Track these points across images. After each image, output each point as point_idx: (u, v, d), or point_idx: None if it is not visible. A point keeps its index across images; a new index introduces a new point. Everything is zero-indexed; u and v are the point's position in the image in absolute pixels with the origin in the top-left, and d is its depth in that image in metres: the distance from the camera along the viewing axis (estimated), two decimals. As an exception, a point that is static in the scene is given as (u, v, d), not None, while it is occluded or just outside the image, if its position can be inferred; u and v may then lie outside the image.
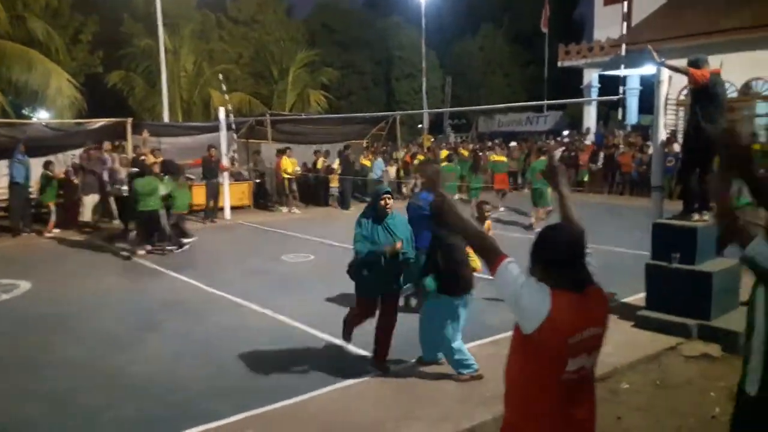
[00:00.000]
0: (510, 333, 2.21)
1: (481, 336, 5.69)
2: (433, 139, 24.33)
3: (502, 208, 14.93)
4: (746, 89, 17.49)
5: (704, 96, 5.94)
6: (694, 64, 6.03)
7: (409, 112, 22.98)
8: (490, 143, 22.82)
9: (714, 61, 6.20)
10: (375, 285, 4.98)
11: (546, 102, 20.32)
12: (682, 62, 6.83)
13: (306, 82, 26.11)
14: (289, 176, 15.73)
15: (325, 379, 4.94)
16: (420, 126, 25.22)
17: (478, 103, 26.08)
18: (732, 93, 17.37)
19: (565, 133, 24.85)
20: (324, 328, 6.18)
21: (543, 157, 14.03)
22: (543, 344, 2.04)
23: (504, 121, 29.86)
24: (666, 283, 5.94)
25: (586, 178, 18.34)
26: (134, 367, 5.35)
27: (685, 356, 5.45)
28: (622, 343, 5.60)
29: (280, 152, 15.77)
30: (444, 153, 18.07)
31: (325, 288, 7.72)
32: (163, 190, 9.96)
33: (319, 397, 4.66)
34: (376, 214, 4.97)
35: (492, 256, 2.16)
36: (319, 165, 16.67)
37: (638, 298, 6.59)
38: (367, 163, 17.40)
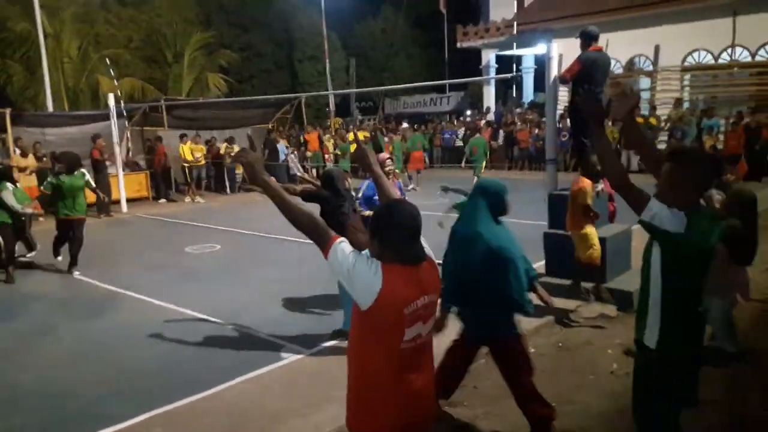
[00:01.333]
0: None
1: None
2: (341, 122, 24.26)
3: (416, 188, 15.19)
4: (630, 65, 18.65)
5: (584, 74, 6.22)
6: (584, 36, 6.32)
7: (314, 93, 22.65)
8: (395, 124, 23.06)
9: (601, 40, 6.52)
10: None
11: (447, 82, 20.71)
12: (570, 41, 7.15)
13: (203, 66, 25.03)
14: (188, 164, 15.13)
15: (236, 369, 4.80)
16: (327, 109, 24.96)
17: (383, 84, 26.15)
18: (618, 69, 18.51)
19: (468, 113, 25.49)
20: (231, 318, 6.01)
21: (479, 135, 15.42)
22: (380, 317, 2.13)
23: (409, 103, 30.23)
24: (563, 250, 6.23)
25: (488, 155, 18.92)
26: (24, 375, 4.95)
27: (584, 318, 5.76)
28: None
29: (182, 138, 15.17)
30: (350, 135, 18.04)
31: (231, 277, 7.50)
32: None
33: (231, 388, 4.53)
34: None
35: (324, 238, 2.18)
36: (223, 151, 16.13)
37: (539, 266, 6.88)
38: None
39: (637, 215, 2.61)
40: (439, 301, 2.36)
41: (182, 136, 15.20)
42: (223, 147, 16.20)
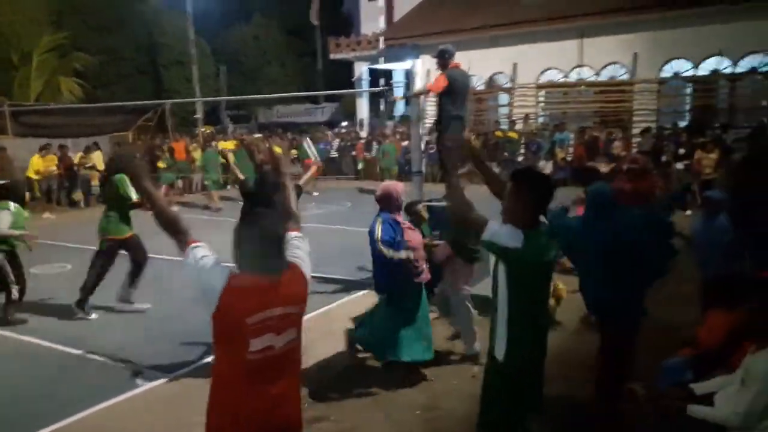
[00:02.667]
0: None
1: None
2: (209, 130, 23.43)
3: (316, 193, 15.10)
4: (491, 82, 19.83)
5: (449, 90, 6.54)
6: (441, 54, 6.63)
7: (181, 100, 21.65)
8: (269, 133, 22.70)
9: (463, 58, 6.87)
10: None
11: (318, 93, 20.72)
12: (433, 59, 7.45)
13: (55, 69, 23.03)
14: (38, 177, 13.82)
15: (85, 400, 4.40)
16: (196, 117, 23.94)
17: (255, 93, 25.63)
18: (480, 86, 19.61)
19: (344, 124, 25.72)
20: (82, 344, 5.53)
21: (389, 141, 17.36)
22: (223, 324, 2.19)
23: (283, 112, 29.91)
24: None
25: (360, 167, 19.18)
26: None
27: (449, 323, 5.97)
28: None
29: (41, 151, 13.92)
30: (222, 144, 17.48)
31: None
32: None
33: (79, 422, 4.15)
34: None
35: (183, 240, 2.29)
36: (77, 161, 14.90)
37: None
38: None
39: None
40: (302, 312, 2.39)
41: (43, 148, 13.98)
42: (77, 157, 14.97)
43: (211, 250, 2.27)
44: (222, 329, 2.21)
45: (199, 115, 22.25)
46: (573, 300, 6.12)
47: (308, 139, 17.18)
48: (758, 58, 15.38)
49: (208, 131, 21.41)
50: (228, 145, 17.02)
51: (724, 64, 15.78)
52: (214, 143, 16.61)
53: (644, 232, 3.68)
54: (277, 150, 17.09)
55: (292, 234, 2.49)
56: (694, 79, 16.50)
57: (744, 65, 15.68)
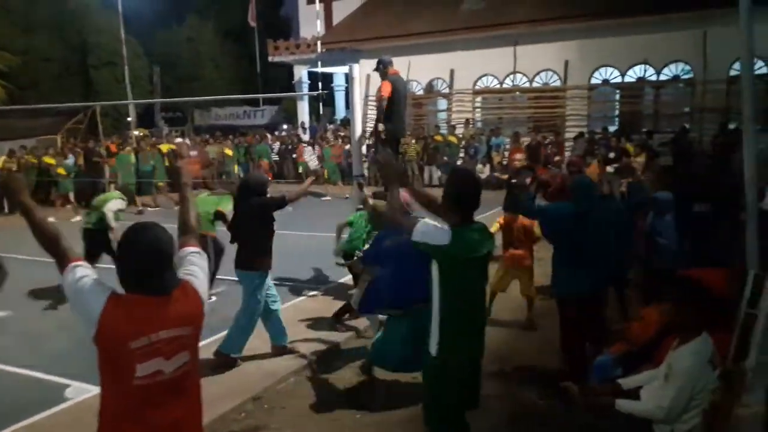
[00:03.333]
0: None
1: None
2: (142, 134, 22.69)
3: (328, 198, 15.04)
4: (430, 87, 20.11)
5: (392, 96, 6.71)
6: (379, 65, 6.74)
7: (113, 102, 20.85)
8: (208, 136, 22.21)
9: (402, 63, 6.97)
10: None
11: (257, 96, 20.41)
12: (372, 63, 7.53)
13: (-26, 69, 21.80)
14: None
15: (11, 415, 4.17)
16: (129, 119, 23.12)
17: (191, 95, 25.01)
18: (419, 90, 19.86)
19: (284, 127, 25.44)
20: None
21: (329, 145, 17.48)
22: (104, 349, 2.06)
23: (221, 115, 29.26)
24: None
25: (300, 170, 19.02)
26: None
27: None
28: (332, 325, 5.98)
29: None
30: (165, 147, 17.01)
31: None
32: None
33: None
34: None
35: (63, 259, 2.15)
36: (1, 165, 14.14)
37: (348, 279, 7.04)
38: (51, 161, 15.22)
39: None
40: (197, 333, 2.23)
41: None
42: (0, 161, 14.20)
43: (93, 270, 2.13)
44: (105, 354, 2.07)
45: (131, 118, 21.53)
46: (509, 298, 6.31)
47: (310, 147, 17.17)
48: (680, 66, 16.27)
49: (142, 134, 20.75)
50: (163, 148, 16.58)
51: (649, 72, 16.62)
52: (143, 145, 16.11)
53: (620, 221, 4.52)
54: (228, 152, 16.93)
55: (189, 249, 2.34)
56: (621, 86, 17.27)
57: (667, 73, 16.56)
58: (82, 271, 2.10)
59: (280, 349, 5.22)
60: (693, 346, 2.87)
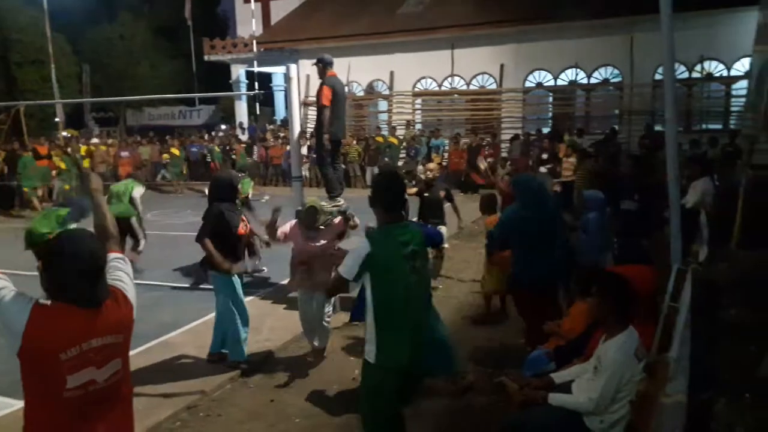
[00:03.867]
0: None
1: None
2: (73, 134, 21.73)
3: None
4: (370, 89, 20.16)
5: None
6: (320, 62, 6.65)
7: (38, 102, 19.85)
8: (140, 138, 21.50)
9: (343, 64, 6.91)
10: None
11: (192, 95, 19.90)
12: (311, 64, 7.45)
13: None
14: None
15: None
16: (57, 120, 22.05)
17: (123, 94, 24.10)
18: (360, 92, 19.87)
19: (223, 127, 24.90)
20: None
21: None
22: (31, 362, 1.97)
23: (155, 115, 28.38)
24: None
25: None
26: None
27: (333, 327, 5.98)
28: (275, 327, 5.93)
29: None
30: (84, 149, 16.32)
31: None
32: None
33: None
34: None
35: None
36: None
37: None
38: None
39: None
40: (128, 340, 2.18)
41: None
42: None
43: (9, 282, 2.02)
44: (31, 368, 1.98)
45: (59, 118, 20.58)
46: (449, 300, 6.41)
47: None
48: (609, 70, 16.97)
49: (72, 135, 19.86)
50: (82, 150, 15.92)
51: (580, 75, 17.25)
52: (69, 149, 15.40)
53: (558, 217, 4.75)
54: (175, 152, 16.42)
55: (112, 255, 2.28)
56: (554, 89, 17.85)
57: (597, 77, 17.24)
58: (2, 283, 1.99)
59: (216, 356, 5.11)
60: (619, 340, 3.00)
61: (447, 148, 16.76)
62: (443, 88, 18.77)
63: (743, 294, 5.19)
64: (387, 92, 19.34)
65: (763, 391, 3.47)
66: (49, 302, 2.01)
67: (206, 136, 22.13)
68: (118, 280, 2.20)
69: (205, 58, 23.60)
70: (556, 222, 4.70)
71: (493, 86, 18.11)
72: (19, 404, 4.31)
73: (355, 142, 17.17)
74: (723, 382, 3.59)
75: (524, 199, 4.63)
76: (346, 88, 19.02)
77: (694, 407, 2.88)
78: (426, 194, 7.38)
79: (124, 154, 18.05)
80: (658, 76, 15.12)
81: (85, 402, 2.02)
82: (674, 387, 2.87)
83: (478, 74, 18.25)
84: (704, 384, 3.29)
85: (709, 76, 15.84)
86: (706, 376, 3.39)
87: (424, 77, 18.83)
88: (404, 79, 18.80)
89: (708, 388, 3.34)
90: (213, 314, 5.22)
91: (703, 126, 15.89)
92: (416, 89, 19.01)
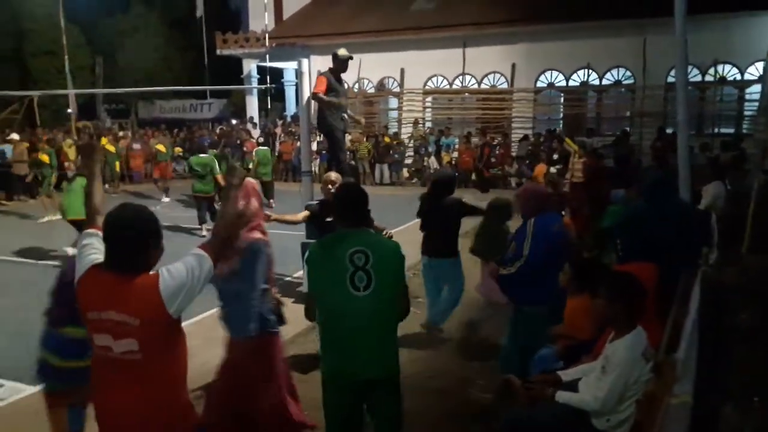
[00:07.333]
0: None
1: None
2: (84, 125, 21.81)
3: (166, 199, 14.32)
4: (381, 86, 20.16)
5: (330, 89, 6.70)
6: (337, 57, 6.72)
7: (50, 92, 19.97)
8: (150, 130, 21.61)
9: (354, 60, 6.94)
10: None
11: (204, 88, 19.92)
12: (326, 59, 7.46)
13: None
14: None
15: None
16: (69, 111, 22.18)
17: (136, 86, 24.21)
18: (371, 89, 19.89)
19: (234, 122, 24.97)
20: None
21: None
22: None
23: (167, 108, 28.50)
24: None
25: (251, 166, 18.73)
26: None
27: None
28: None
29: None
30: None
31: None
32: None
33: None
34: None
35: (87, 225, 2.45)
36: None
37: (300, 275, 6.99)
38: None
39: None
40: (147, 327, 2.11)
41: None
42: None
43: (97, 241, 2.29)
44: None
45: (72, 109, 20.69)
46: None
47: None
48: (622, 72, 16.90)
49: (83, 126, 19.95)
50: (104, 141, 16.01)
51: (592, 77, 17.18)
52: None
53: None
54: (160, 147, 16.42)
55: (91, 231, 2.37)
56: (565, 90, 17.79)
57: (609, 78, 17.16)
58: (89, 240, 2.32)
59: None
60: (627, 340, 3.00)
61: (457, 146, 16.75)
62: (454, 87, 18.74)
63: (753, 298, 5.18)
64: (398, 89, 19.34)
65: (771, 395, 3.46)
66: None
67: (217, 129, 22.22)
68: (93, 254, 2.29)
69: (218, 52, 23.65)
70: None
71: (505, 86, 18.08)
72: (31, 389, 4.39)
73: (365, 139, 17.19)
74: (731, 385, 3.59)
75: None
76: (357, 85, 19.17)
77: (702, 410, 2.88)
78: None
79: (136, 146, 18.15)
80: (670, 79, 15.05)
81: (105, 363, 2.19)
82: (681, 388, 2.87)
83: (490, 73, 18.22)
84: (711, 387, 3.28)
85: (723, 80, 15.75)
86: (713, 379, 3.38)
87: (435, 75, 18.82)
88: (415, 77, 18.79)
89: (715, 391, 3.34)
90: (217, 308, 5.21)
91: (716, 130, 15.81)
92: (427, 87, 18.99)
